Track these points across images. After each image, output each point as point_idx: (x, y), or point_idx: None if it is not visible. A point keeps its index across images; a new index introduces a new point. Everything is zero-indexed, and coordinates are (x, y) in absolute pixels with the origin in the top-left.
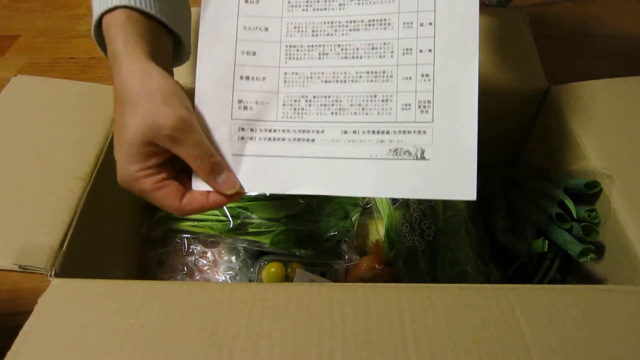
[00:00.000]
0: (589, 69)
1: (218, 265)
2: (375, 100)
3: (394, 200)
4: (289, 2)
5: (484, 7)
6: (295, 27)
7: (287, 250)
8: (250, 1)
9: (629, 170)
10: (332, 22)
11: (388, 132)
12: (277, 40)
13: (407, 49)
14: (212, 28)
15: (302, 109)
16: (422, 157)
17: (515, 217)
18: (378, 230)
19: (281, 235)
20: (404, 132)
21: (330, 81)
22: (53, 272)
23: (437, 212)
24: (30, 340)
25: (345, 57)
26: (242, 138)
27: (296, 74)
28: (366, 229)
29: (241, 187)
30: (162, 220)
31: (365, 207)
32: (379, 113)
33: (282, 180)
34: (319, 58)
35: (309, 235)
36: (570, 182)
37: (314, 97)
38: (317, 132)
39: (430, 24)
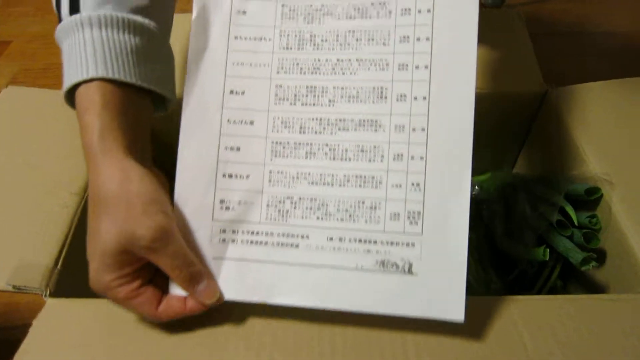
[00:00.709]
0: (584, 67)
1: None
2: (363, 207)
3: None
4: (276, 95)
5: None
6: (282, 122)
7: None
8: (236, 92)
9: (629, 176)
10: (320, 119)
11: (375, 242)
12: (263, 136)
13: (398, 155)
14: (194, 121)
15: (287, 212)
16: (410, 272)
17: (515, 222)
18: None
19: None
20: (392, 243)
21: (317, 183)
22: (48, 292)
23: None
24: None
25: (334, 158)
26: (224, 240)
27: (282, 173)
28: None
29: (221, 295)
30: None
31: None
32: (366, 221)
33: (264, 288)
34: (306, 157)
35: None
36: (570, 188)
37: (300, 199)
38: (302, 237)
39: (423, 129)
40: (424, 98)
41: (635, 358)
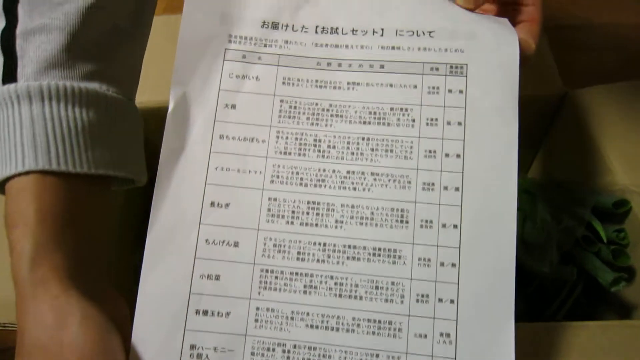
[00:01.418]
0: (596, 60)
1: None
2: None
3: None
4: (268, 210)
5: None
6: (275, 246)
7: None
8: (218, 204)
9: None
10: (324, 245)
11: None
12: (250, 262)
13: (423, 296)
14: (162, 240)
15: None
16: None
17: (534, 234)
18: None
19: None
20: None
21: (317, 326)
22: None
23: None
24: None
25: (340, 296)
26: None
27: (272, 311)
28: None
29: None
30: None
31: None
32: None
33: None
34: (305, 292)
35: None
36: (597, 200)
37: (295, 346)
38: None
39: (454, 265)
40: (455, 227)
41: None
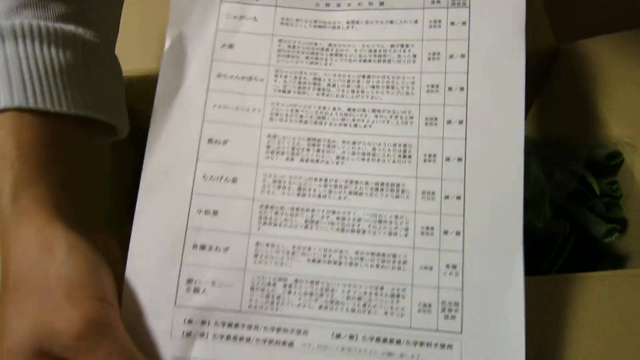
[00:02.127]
0: (582, 13)
1: None
2: (381, 295)
3: None
4: (268, 147)
5: None
6: (275, 182)
7: None
8: (216, 141)
9: None
10: (325, 180)
11: (399, 342)
12: (249, 197)
13: (428, 228)
14: (158, 177)
15: (279, 298)
16: None
17: (527, 191)
18: None
19: None
20: (422, 343)
21: (319, 261)
22: None
23: None
24: None
25: (342, 230)
26: (189, 334)
27: (272, 246)
28: None
29: None
30: None
31: None
32: (386, 313)
33: None
34: (306, 227)
35: None
36: (590, 154)
37: (296, 281)
38: (298, 332)
39: (459, 197)
40: (459, 159)
41: None
